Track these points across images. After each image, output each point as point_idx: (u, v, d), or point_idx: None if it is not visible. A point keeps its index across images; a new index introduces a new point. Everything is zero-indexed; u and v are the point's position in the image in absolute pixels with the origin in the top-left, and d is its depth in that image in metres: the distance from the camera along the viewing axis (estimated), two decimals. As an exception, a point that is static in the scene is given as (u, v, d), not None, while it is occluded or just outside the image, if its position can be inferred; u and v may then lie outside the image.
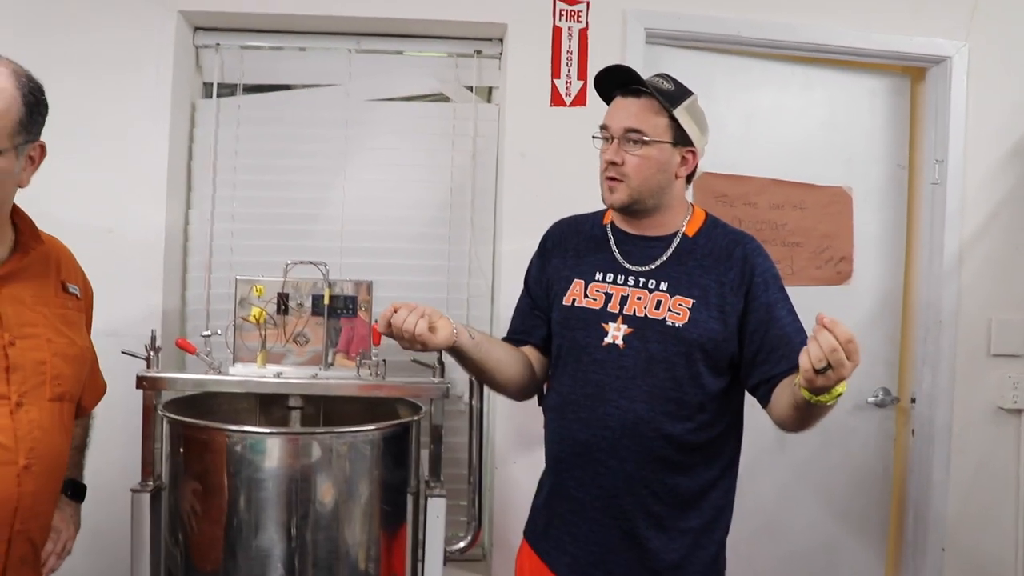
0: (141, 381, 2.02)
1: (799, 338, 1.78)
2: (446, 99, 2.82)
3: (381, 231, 2.75)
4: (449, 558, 2.09)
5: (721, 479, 1.91)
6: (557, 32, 2.65)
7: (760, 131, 2.91)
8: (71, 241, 2.49)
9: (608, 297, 1.89)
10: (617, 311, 1.87)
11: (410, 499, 2.07)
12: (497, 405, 2.59)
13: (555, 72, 2.64)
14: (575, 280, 1.95)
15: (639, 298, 1.87)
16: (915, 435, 2.98)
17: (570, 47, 2.65)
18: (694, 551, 1.87)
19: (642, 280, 1.88)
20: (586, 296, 1.92)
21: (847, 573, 3.05)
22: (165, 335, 2.39)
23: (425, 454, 2.11)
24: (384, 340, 2.11)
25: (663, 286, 1.86)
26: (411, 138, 2.78)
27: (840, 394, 1.55)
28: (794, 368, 1.55)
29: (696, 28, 2.73)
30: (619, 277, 1.91)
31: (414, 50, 2.83)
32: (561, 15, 2.65)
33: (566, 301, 1.94)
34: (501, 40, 2.76)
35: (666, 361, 1.82)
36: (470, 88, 2.80)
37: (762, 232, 2.90)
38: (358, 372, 2.10)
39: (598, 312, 1.89)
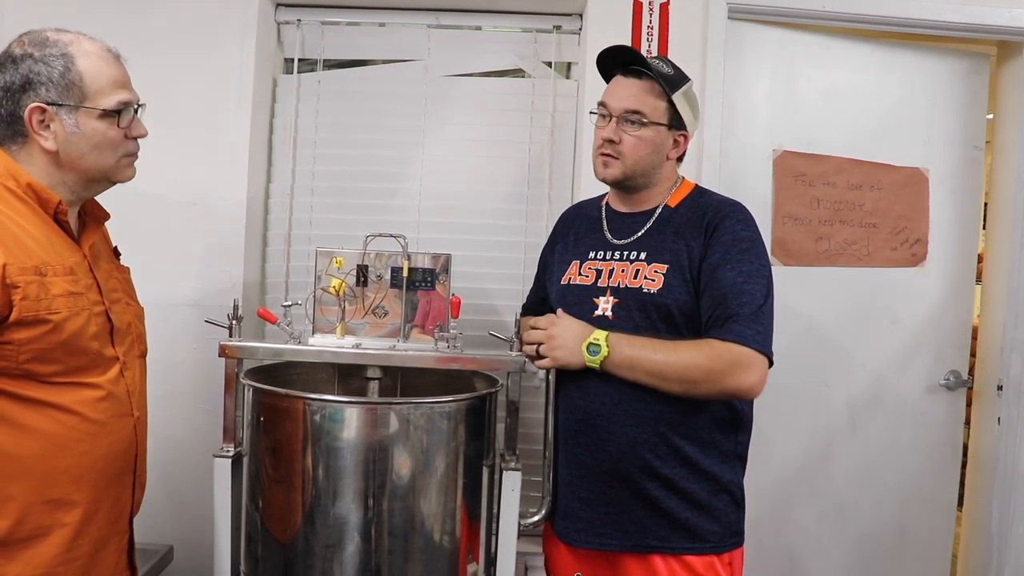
0: (223, 349, 2.05)
1: (734, 297, 1.83)
2: (524, 75, 2.81)
3: (458, 206, 2.76)
4: (523, 531, 2.10)
5: (726, 440, 1.95)
6: (638, 7, 2.61)
7: (839, 109, 2.85)
8: (158, 215, 2.56)
9: (598, 273, 2.01)
10: (606, 285, 1.98)
11: (486, 472, 2.07)
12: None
13: (635, 48, 2.61)
14: (573, 261, 2.08)
15: (623, 270, 1.98)
16: (1001, 424, 2.90)
17: (651, 23, 2.62)
18: (708, 511, 1.92)
19: (625, 252, 2.00)
20: (580, 274, 2.04)
21: (916, 554, 3.01)
22: (246, 306, 2.44)
23: (501, 428, 2.12)
24: (461, 313, 2.13)
25: (642, 256, 1.97)
26: (489, 114, 2.78)
27: (598, 355, 1.86)
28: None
29: (779, 3, 2.68)
30: (607, 253, 2.02)
31: (492, 25, 2.83)
32: (642, -10, 2.62)
33: (563, 281, 2.06)
34: (581, 15, 2.74)
35: (650, 327, 1.91)
36: (549, 64, 2.78)
37: (841, 212, 2.85)
38: (436, 345, 2.11)
39: (589, 288, 2.01)
